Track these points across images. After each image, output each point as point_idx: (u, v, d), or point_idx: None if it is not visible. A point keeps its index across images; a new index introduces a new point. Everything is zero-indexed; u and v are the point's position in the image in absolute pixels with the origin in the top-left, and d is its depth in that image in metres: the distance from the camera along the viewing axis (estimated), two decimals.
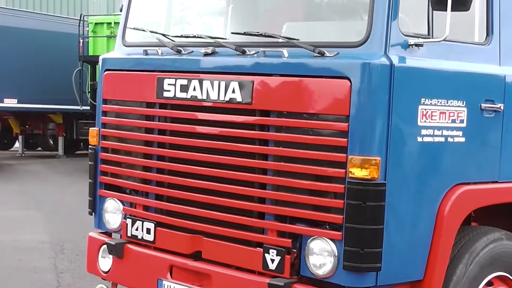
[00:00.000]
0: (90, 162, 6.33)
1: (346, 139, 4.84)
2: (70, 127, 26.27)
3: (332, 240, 4.91)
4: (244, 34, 5.45)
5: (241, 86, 5.26)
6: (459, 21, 5.08)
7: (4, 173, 20.86)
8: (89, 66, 22.96)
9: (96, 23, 23.81)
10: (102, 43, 22.91)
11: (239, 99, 5.28)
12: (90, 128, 6.39)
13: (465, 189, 5.28)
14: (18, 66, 23.65)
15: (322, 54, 4.98)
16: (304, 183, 5.01)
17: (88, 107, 22.64)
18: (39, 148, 28.17)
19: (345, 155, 4.84)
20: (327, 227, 4.95)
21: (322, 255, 4.95)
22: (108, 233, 6.30)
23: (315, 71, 5.01)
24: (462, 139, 5.29)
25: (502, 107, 5.51)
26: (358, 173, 4.80)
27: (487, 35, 5.52)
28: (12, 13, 25.60)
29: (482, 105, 5.40)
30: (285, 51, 5.14)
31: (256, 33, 5.32)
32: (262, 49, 5.29)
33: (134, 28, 6.19)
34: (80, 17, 23.97)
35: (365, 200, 4.80)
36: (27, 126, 26.50)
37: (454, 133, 5.24)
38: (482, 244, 5.47)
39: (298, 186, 5.03)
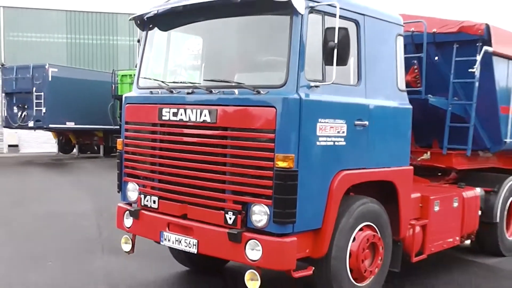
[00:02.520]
0: (117, 161, 6.25)
1: (274, 144, 4.85)
2: (108, 139, 26.05)
3: (266, 205, 4.91)
4: (211, 80, 5.43)
5: (210, 112, 5.24)
6: (341, 71, 5.11)
7: (66, 168, 20.50)
8: (118, 101, 22.76)
9: (122, 75, 23.64)
10: (126, 87, 22.71)
11: (208, 120, 5.25)
12: (118, 139, 6.33)
13: (345, 173, 5.32)
14: (75, 101, 23.50)
15: (259, 92, 4.98)
16: (249, 171, 5.00)
17: (118, 126, 22.42)
18: (88, 152, 27.70)
19: (273, 153, 4.85)
20: (263, 197, 4.95)
21: (260, 214, 4.95)
22: (129, 204, 6.20)
23: (255, 103, 4.99)
24: (344, 143, 5.32)
25: (367, 123, 5.56)
26: (281, 164, 4.81)
27: (358, 79, 5.57)
28: (71, 70, 25.47)
29: (355, 122, 5.44)
30: (236, 91, 5.13)
31: (219, 80, 5.32)
32: (222, 89, 5.27)
33: (144, 78, 6.15)
34: (112, 72, 23.93)
35: (285, 180, 4.81)
36: (80, 139, 26.24)
37: (339, 139, 5.27)
38: (356, 206, 5.53)
39: (245, 172, 5.02)
